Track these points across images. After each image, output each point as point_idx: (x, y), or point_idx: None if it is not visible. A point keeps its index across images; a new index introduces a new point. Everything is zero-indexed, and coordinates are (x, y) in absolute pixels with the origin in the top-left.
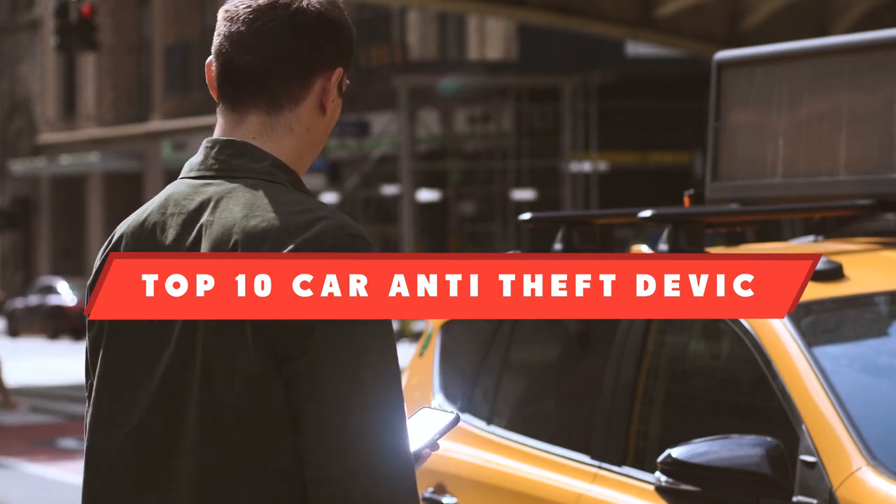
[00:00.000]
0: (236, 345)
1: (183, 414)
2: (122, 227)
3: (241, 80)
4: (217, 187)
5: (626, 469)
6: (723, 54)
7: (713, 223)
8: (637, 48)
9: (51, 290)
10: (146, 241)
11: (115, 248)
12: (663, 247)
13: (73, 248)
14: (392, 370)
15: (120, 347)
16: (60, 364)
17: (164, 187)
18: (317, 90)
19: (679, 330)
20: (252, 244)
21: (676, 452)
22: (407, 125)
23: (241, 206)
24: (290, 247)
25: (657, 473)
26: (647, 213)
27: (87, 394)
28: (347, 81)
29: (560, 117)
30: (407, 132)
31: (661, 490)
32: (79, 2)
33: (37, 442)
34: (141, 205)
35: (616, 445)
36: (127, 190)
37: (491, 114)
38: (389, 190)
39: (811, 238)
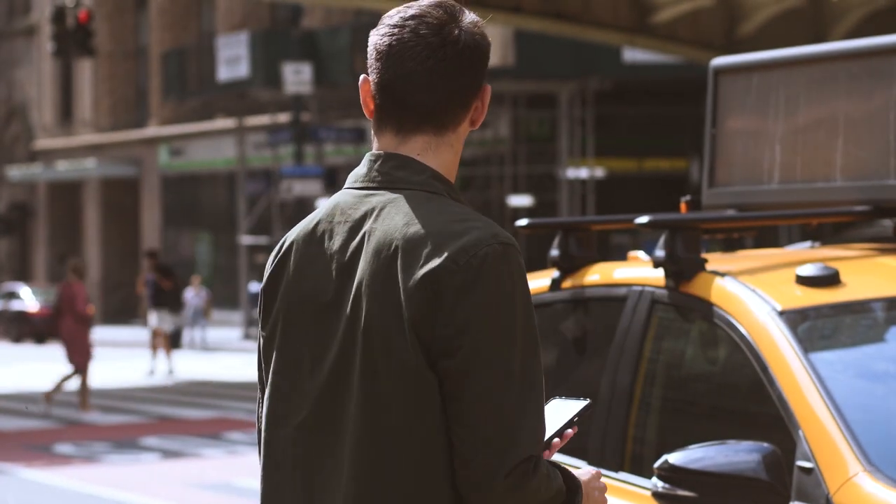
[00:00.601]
0: (395, 341)
1: (346, 406)
2: (292, 235)
3: (414, 113)
4: (380, 197)
5: (623, 475)
6: (719, 61)
7: (710, 229)
8: (634, 54)
9: (14, 295)
10: (315, 248)
11: (286, 254)
12: (660, 253)
13: (70, 253)
14: (535, 367)
15: (292, 345)
16: (51, 368)
17: (161, 193)
18: (472, 109)
19: (676, 336)
20: (412, 249)
21: (673, 458)
22: None
23: (402, 215)
24: (449, 252)
25: (654, 479)
26: (643, 220)
27: (259, 388)
28: None
29: (557, 123)
30: None
31: (658, 496)
32: (75, 7)
33: (33, 447)
34: (138, 210)
35: (613, 451)
36: (124, 196)
37: (488, 120)
38: None
39: (808, 244)
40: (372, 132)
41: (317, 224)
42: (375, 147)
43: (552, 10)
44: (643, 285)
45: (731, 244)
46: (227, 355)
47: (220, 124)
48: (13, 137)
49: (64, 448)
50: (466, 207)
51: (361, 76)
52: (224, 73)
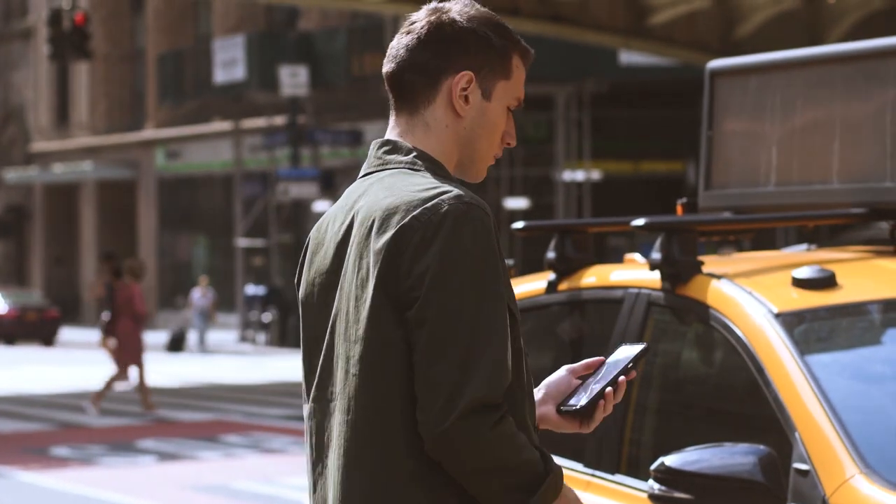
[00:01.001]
0: (364, 304)
1: (336, 374)
2: (313, 228)
3: (390, 87)
4: (372, 178)
5: (619, 477)
6: (716, 63)
7: (706, 232)
8: (630, 57)
9: None
10: (322, 236)
11: (306, 246)
12: (656, 255)
13: (67, 256)
14: (494, 319)
15: (308, 327)
16: (46, 371)
17: (157, 196)
18: (444, 92)
19: (672, 338)
20: (387, 217)
21: (670, 460)
22: None
23: (383, 190)
24: (414, 213)
25: (650, 481)
26: (640, 222)
27: None
28: (519, 98)
29: (553, 126)
30: None
31: (654, 498)
32: (72, 10)
33: (30, 450)
34: (134, 213)
35: (609, 453)
36: (120, 198)
37: None
38: None
39: (804, 246)
40: None
41: (326, 215)
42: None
43: (549, 12)
44: (639, 288)
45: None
46: (223, 357)
47: (216, 127)
48: (10, 140)
49: (60, 451)
50: (449, 181)
51: None
52: (220, 76)
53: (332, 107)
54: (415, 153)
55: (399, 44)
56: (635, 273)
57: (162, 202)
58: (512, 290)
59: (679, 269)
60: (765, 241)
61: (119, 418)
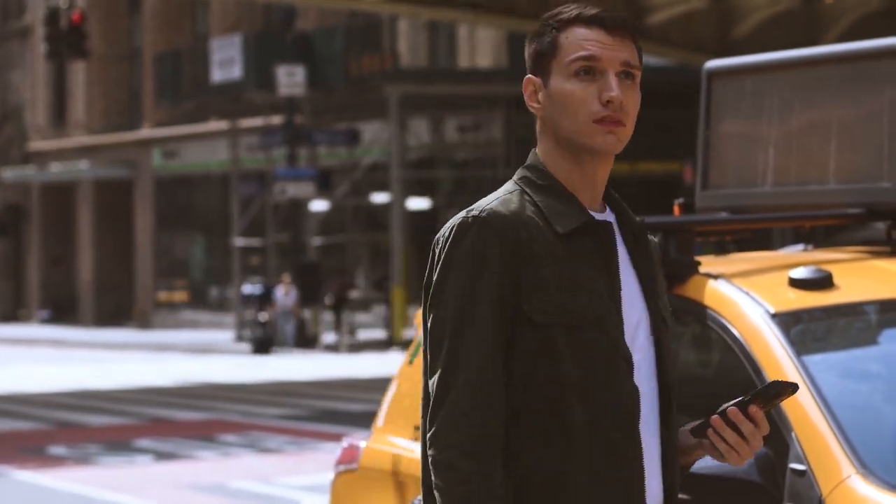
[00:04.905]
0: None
1: None
2: None
3: None
4: None
5: None
6: (713, 63)
7: (703, 232)
8: None
9: None
10: None
11: None
12: None
13: (64, 255)
14: (469, 328)
15: None
16: (46, 372)
17: (154, 195)
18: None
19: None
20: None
21: None
22: (397, 133)
23: None
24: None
25: None
26: None
27: None
28: (585, 55)
29: None
30: (397, 140)
31: None
32: (69, 9)
33: (27, 449)
34: (131, 212)
35: None
36: (117, 197)
37: (481, 122)
38: (379, 198)
39: (801, 247)
40: None
41: None
42: None
43: (545, 12)
44: None
45: (723, 247)
46: (219, 357)
47: (213, 126)
48: (7, 139)
49: (57, 450)
50: (504, 192)
51: None
52: (217, 76)
53: (330, 107)
54: (524, 166)
55: None
56: None
57: (159, 201)
58: (544, 297)
59: (676, 269)
60: (762, 241)
61: (115, 417)
